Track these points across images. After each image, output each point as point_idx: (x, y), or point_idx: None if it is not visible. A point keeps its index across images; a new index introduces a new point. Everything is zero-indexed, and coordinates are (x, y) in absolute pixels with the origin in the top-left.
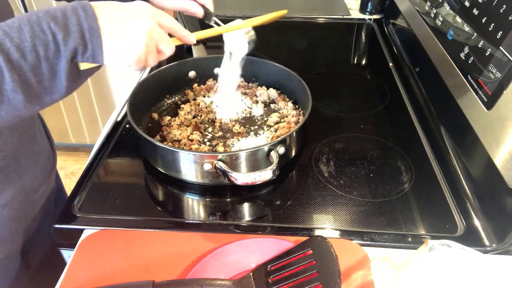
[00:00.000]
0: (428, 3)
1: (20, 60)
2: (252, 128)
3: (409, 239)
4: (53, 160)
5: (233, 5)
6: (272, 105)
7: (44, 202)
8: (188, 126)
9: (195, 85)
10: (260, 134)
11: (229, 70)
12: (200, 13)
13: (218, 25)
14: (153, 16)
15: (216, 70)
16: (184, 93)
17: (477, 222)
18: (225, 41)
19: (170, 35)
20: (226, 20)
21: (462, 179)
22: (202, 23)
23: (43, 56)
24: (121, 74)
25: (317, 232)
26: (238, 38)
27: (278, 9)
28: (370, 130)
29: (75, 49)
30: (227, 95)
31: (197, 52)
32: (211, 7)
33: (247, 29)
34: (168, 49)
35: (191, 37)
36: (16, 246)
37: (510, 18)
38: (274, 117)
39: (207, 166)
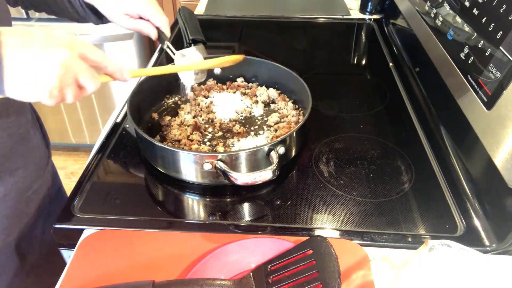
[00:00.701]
0: (428, 3)
1: None
2: (252, 128)
3: (409, 239)
4: (47, 157)
5: (233, 5)
6: (272, 105)
7: (38, 200)
8: (188, 126)
9: (195, 85)
10: (260, 134)
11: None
12: (153, 34)
13: (171, 50)
14: (72, 47)
15: (216, 70)
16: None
17: (477, 222)
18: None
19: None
20: (226, 21)
21: (462, 179)
22: (201, 24)
23: None
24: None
25: (317, 232)
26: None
27: (277, 9)
28: (370, 130)
29: None
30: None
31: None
32: (166, 30)
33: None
34: (91, 85)
35: (125, 75)
36: (10, 241)
37: (510, 18)
38: (274, 117)
39: (207, 166)
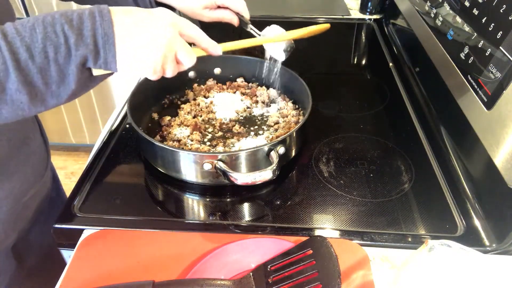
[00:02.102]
0: (428, 3)
1: (28, 60)
2: (252, 128)
3: (409, 239)
4: (47, 162)
5: None
6: (272, 105)
7: (36, 204)
8: (188, 126)
9: (195, 85)
10: (260, 134)
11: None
12: (235, 21)
13: (255, 32)
14: (174, 24)
15: (216, 70)
16: (184, 93)
17: (477, 222)
18: (264, 47)
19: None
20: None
21: (462, 179)
22: (201, 23)
23: (53, 58)
24: (121, 75)
25: (317, 232)
26: (275, 45)
27: (277, 9)
28: (370, 130)
29: (85, 55)
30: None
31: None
32: (246, 14)
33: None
34: (188, 60)
35: (217, 48)
36: (7, 245)
37: (510, 18)
38: (274, 117)
39: (207, 166)
